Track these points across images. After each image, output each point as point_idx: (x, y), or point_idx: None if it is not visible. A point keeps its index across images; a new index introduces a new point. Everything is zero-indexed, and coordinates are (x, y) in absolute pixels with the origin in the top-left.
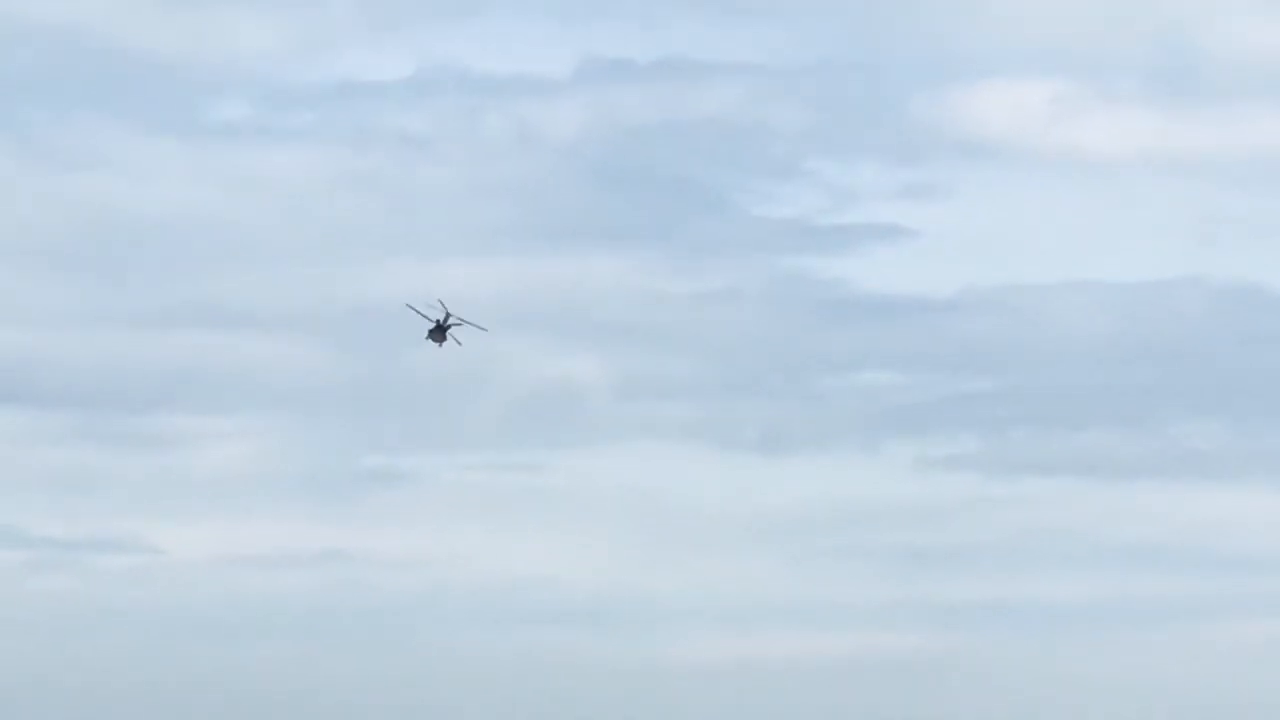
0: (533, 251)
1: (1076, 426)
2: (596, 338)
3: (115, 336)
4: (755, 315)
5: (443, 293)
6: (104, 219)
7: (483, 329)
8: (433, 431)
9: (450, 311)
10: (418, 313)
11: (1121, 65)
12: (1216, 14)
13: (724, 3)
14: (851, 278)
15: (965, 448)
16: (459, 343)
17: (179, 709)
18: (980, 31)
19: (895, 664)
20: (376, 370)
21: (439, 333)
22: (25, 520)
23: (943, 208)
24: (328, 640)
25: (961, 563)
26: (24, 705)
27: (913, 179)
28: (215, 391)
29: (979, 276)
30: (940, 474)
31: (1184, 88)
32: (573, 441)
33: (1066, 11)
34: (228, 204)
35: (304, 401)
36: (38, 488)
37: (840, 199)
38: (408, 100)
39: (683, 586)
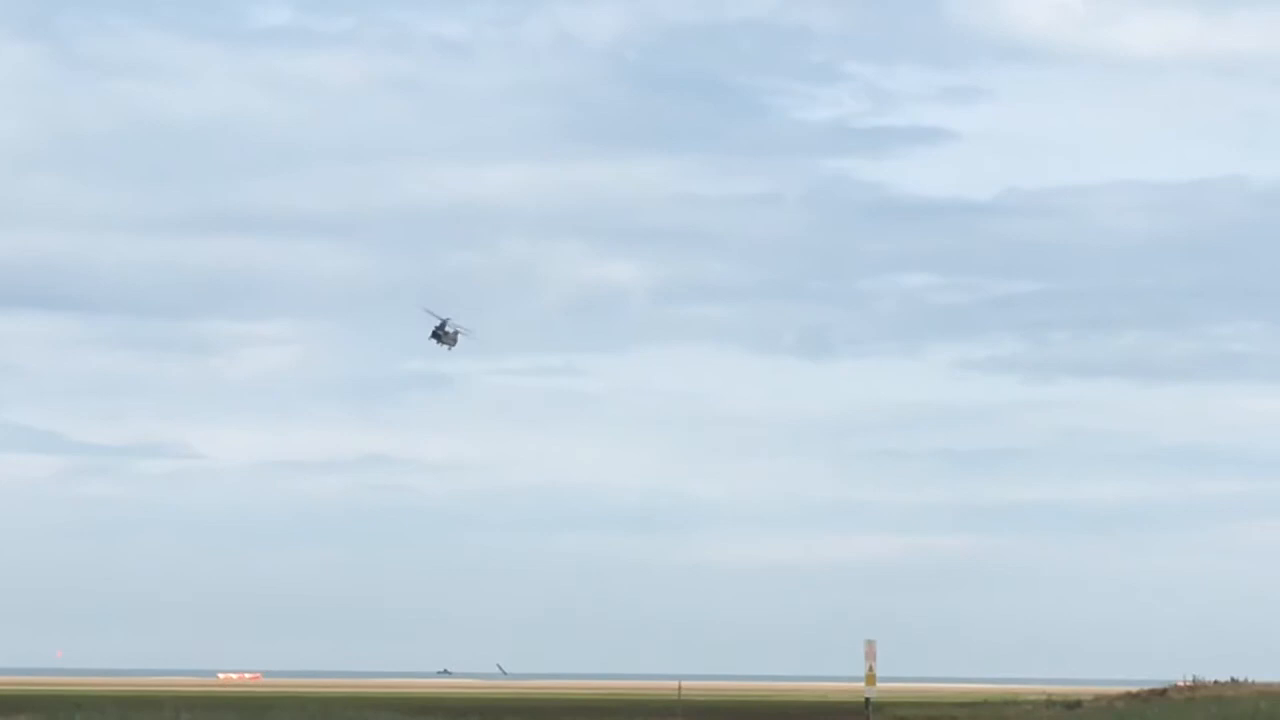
0: (571, 156)
1: (1117, 328)
2: (636, 242)
3: (157, 242)
4: (795, 218)
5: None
6: (146, 124)
7: (471, 333)
8: (475, 335)
9: (446, 320)
10: (431, 314)
11: None
12: None
13: None
14: (891, 181)
15: (1006, 350)
16: (462, 337)
17: (221, 611)
18: None
19: (937, 564)
20: (417, 274)
21: (442, 334)
22: (68, 426)
23: (982, 110)
24: (369, 543)
25: (1002, 464)
26: (67, 607)
27: (952, 81)
28: (257, 297)
29: (1019, 178)
30: (981, 376)
31: None
32: (613, 346)
33: None
34: (268, 109)
35: (345, 306)
36: (80, 393)
37: (880, 102)
38: (447, 4)
39: (724, 489)
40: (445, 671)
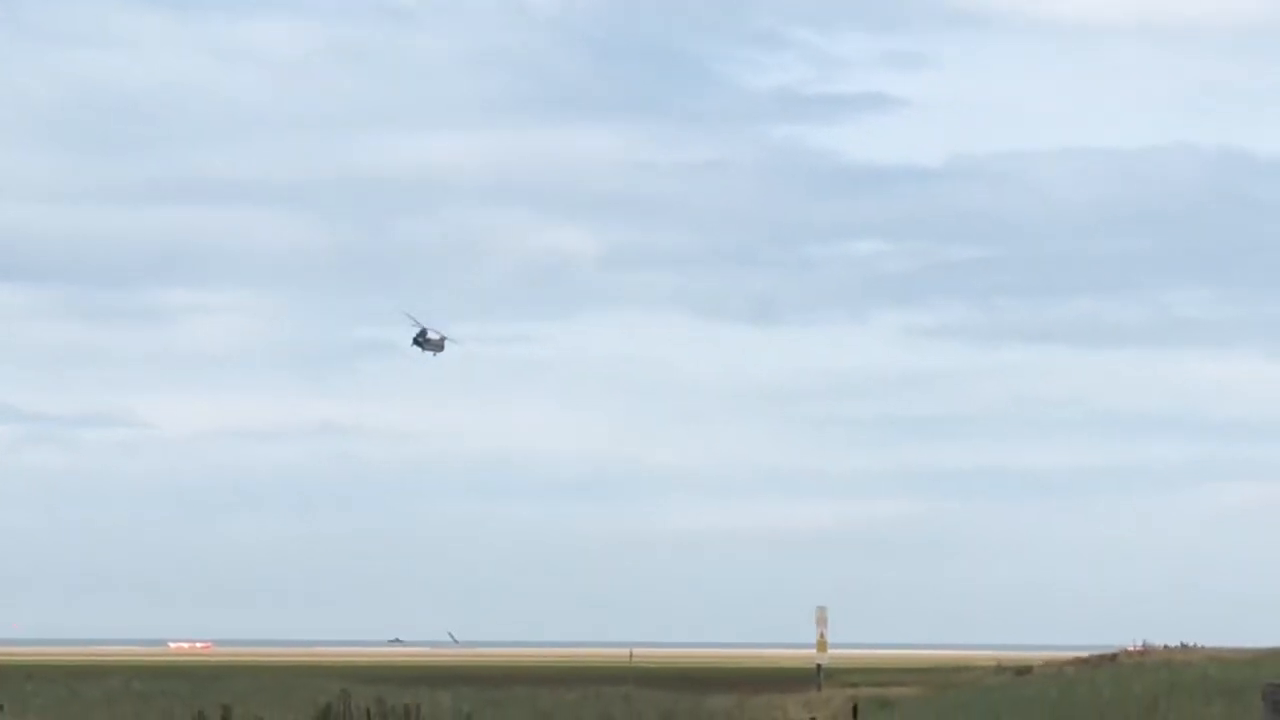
0: (520, 124)
1: (1065, 294)
2: (585, 210)
3: (105, 211)
4: (743, 186)
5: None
6: (92, 94)
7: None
8: (424, 304)
9: (425, 328)
10: (414, 320)
11: None
12: None
13: None
14: (839, 148)
15: (953, 316)
16: (444, 345)
17: (171, 581)
18: None
19: (887, 531)
20: (367, 242)
21: (424, 341)
22: (17, 395)
23: (931, 76)
24: (320, 511)
25: (952, 430)
26: (15, 577)
27: (900, 47)
28: (205, 266)
29: (967, 145)
30: (929, 343)
31: None
32: (562, 313)
33: None
34: (216, 77)
35: (295, 274)
36: (29, 363)
37: (828, 69)
38: None
39: (673, 456)
40: (397, 640)
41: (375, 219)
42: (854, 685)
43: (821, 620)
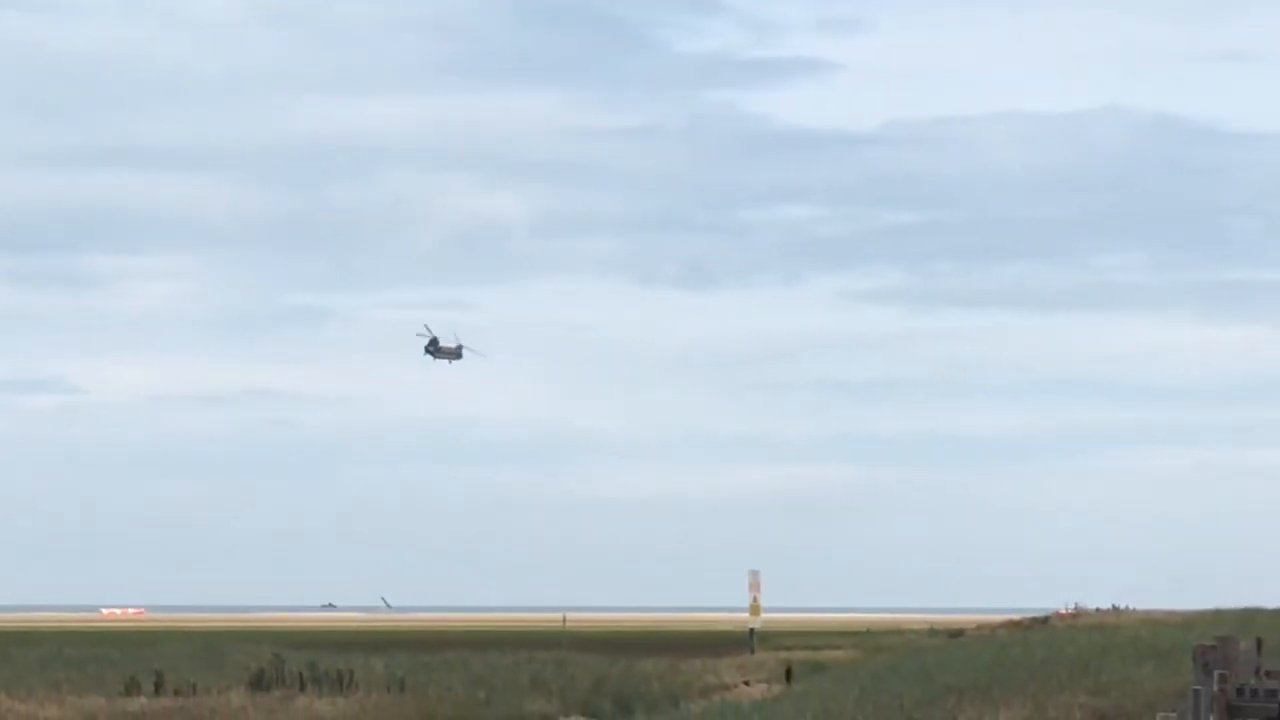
0: (452, 88)
1: (999, 259)
2: (518, 174)
3: (36, 175)
4: (677, 150)
5: (365, 127)
6: (24, 57)
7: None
8: (357, 269)
9: (436, 337)
10: (428, 330)
11: None
12: None
13: None
14: (773, 112)
15: (888, 281)
16: (461, 353)
17: (103, 546)
18: None
19: (820, 495)
20: (300, 208)
21: (436, 349)
22: None
23: (865, 41)
24: (253, 477)
25: (885, 395)
26: None
27: (834, 12)
28: (137, 230)
29: (901, 109)
30: (863, 307)
31: None
32: (496, 278)
33: None
34: (147, 41)
35: (227, 239)
36: None
37: (761, 33)
38: None
39: (607, 421)
40: (330, 605)
41: (307, 184)
42: (787, 648)
43: (755, 584)
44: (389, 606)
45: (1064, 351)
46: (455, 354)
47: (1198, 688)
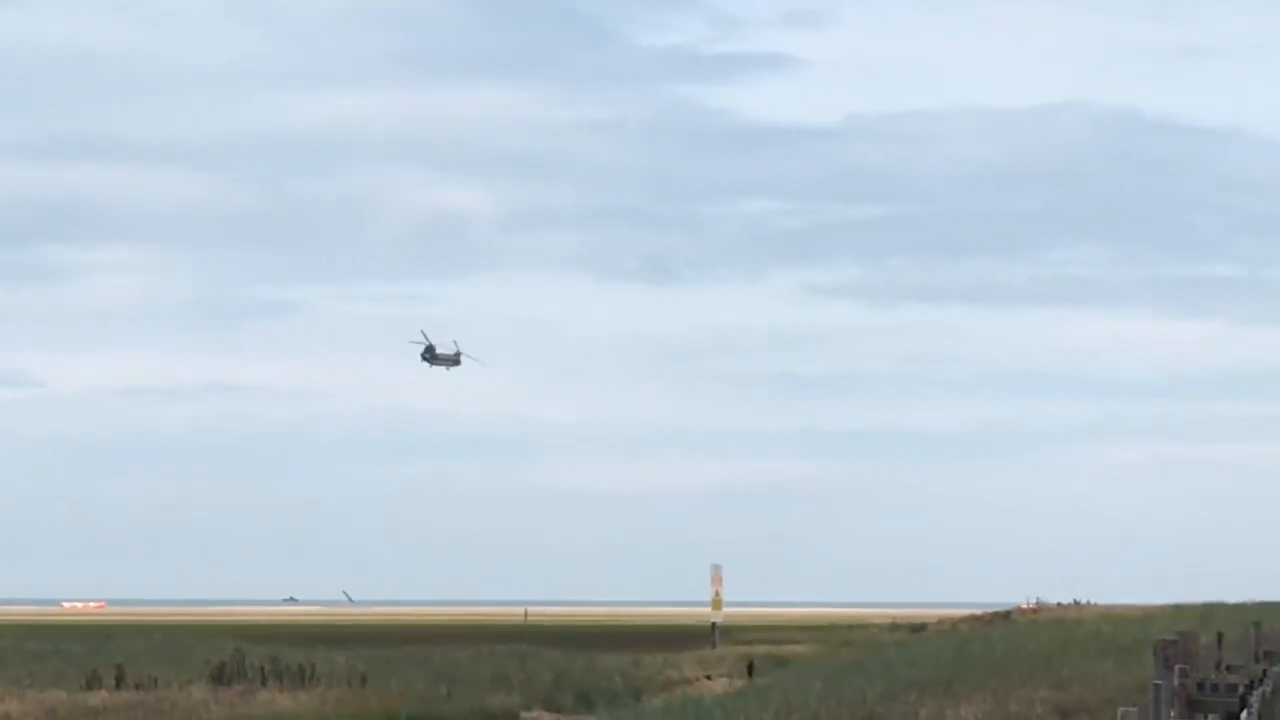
0: (416, 83)
1: (959, 253)
2: (481, 168)
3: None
4: (640, 145)
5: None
6: None
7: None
8: (319, 263)
9: (433, 345)
10: (425, 338)
11: None
12: None
13: None
14: (735, 107)
15: (849, 275)
16: (461, 361)
17: (65, 540)
18: None
19: (782, 489)
20: (262, 201)
21: (433, 356)
22: None
23: (828, 36)
24: (214, 470)
25: (845, 389)
26: None
27: (799, 7)
28: (100, 224)
29: (863, 104)
30: (824, 301)
31: None
32: (457, 272)
33: None
34: (111, 35)
35: (189, 233)
36: None
37: (725, 28)
38: None
39: (569, 414)
40: (292, 599)
41: (270, 178)
42: (749, 643)
43: (717, 578)
44: (350, 600)
45: (1024, 346)
46: (453, 360)
47: (1158, 682)
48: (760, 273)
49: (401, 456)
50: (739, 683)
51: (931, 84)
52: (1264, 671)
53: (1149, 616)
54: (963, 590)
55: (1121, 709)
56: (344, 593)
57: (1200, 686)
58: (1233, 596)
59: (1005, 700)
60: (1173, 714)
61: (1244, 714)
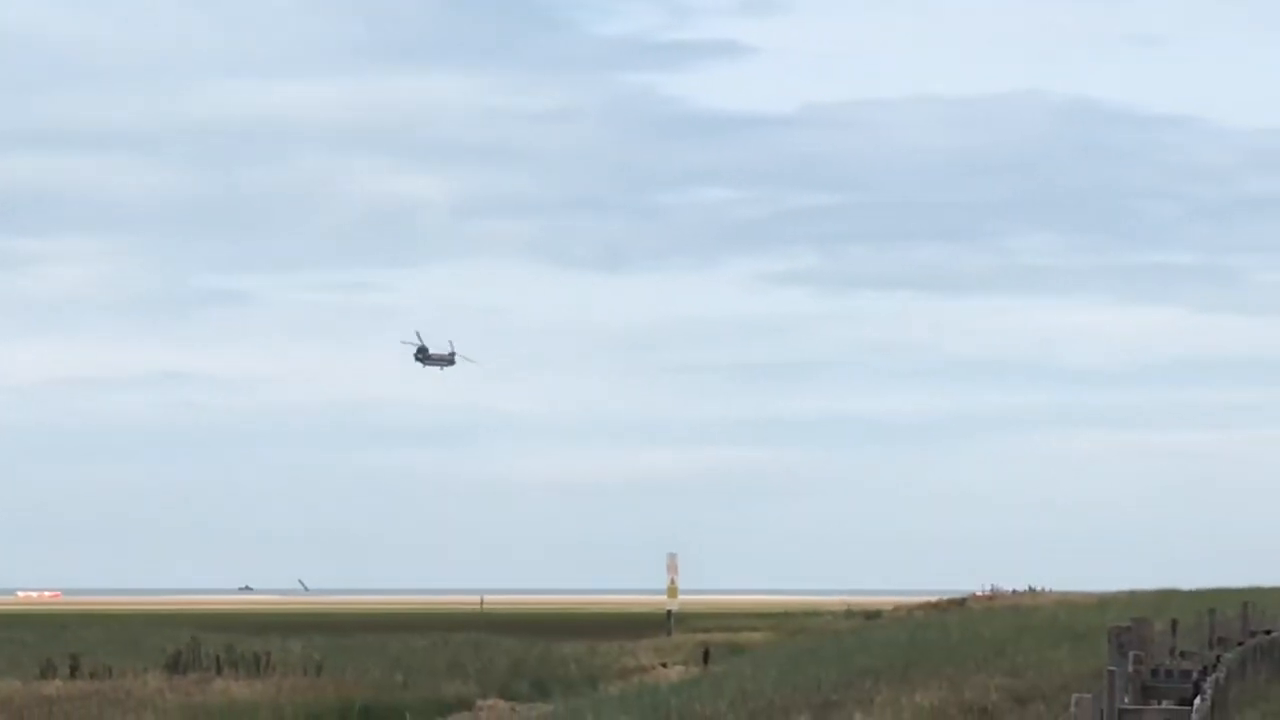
0: (369, 70)
1: (914, 241)
2: (435, 156)
3: None
4: (593, 133)
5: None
6: None
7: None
8: (271, 252)
9: (424, 346)
10: (417, 337)
11: None
12: None
13: None
14: (689, 95)
15: (802, 263)
16: (455, 361)
17: (19, 529)
18: None
19: (737, 477)
20: (213, 190)
21: (426, 356)
22: None
23: (781, 24)
24: (168, 459)
25: (800, 377)
26: None
27: None
28: (49, 213)
29: (817, 92)
30: (778, 289)
31: None
32: (412, 260)
33: None
34: (59, 22)
35: (139, 222)
36: None
37: (678, 15)
38: None
39: (523, 403)
40: (247, 588)
41: (221, 166)
42: (705, 631)
43: (672, 566)
44: (306, 589)
45: (980, 334)
46: (447, 361)
47: (1113, 669)
48: (716, 261)
49: (356, 445)
50: (695, 670)
51: (887, 72)
52: (1218, 658)
53: (1104, 603)
54: (918, 577)
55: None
56: (299, 581)
57: (1154, 673)
58: (1188, 583)
59: (961, 687)
60: (1127, 700)
61: (1197, 700)
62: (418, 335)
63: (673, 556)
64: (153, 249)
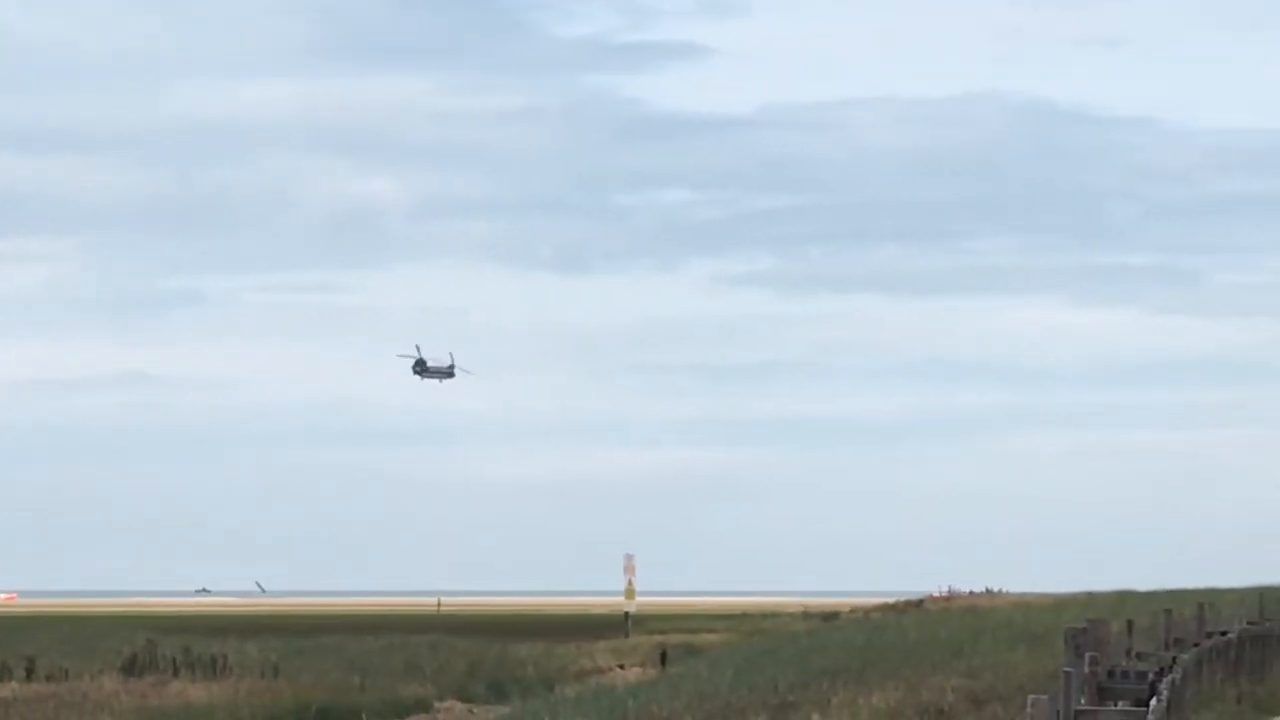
0: (328, 71)
1: (873, 243)
2: (393, 158)
3: None
4: (552, 134)
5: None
6: None
7: (468, 372)
8: (233, 253)
9: (423, 359)
10: (417, 351)
11: None
12: None
13: None
14: (648, 96)
15: (762, 265)
16: (455, 374)
17: None
18: None
19: (695, 479)
20: (175, 190)
21: (424, 369)
22: None
23: (740, 25)
24: (127, 461)
25: (760, 379)
26: None
27: None
28: (13, 213)
29: (776, 94)
30: (738, 291)
31: None
32: (372, 261)
33: None
34: (21, 22)
35: (103, 222)
36: None
37: (637, 17)
38: None
39: (483, 404)
40: (204, 590)
41: (183, 167)
42: (662, 632)
43: (629, 568)
44: (263, 591)
45: (939, 335)
46: (447, 373)
47: (1069, 670)
48: (675, 263)
49: (314, 446)
50: (652, 672)
51: (845, 73)
52: (1174, 659)
53: (1061, 604)
54: (875, 578)
55: (1032, 696)
56: (256, 583)
57: (1110, 674)
58: (1144, 584)
59: (918, 688)
60: (1083, 701)
61: (1153, 701)
62: (417, 349)
63: (630, 558)
64: (115, 251)
